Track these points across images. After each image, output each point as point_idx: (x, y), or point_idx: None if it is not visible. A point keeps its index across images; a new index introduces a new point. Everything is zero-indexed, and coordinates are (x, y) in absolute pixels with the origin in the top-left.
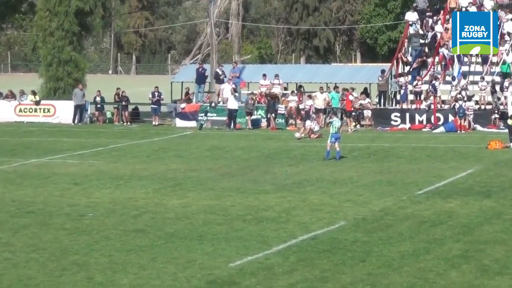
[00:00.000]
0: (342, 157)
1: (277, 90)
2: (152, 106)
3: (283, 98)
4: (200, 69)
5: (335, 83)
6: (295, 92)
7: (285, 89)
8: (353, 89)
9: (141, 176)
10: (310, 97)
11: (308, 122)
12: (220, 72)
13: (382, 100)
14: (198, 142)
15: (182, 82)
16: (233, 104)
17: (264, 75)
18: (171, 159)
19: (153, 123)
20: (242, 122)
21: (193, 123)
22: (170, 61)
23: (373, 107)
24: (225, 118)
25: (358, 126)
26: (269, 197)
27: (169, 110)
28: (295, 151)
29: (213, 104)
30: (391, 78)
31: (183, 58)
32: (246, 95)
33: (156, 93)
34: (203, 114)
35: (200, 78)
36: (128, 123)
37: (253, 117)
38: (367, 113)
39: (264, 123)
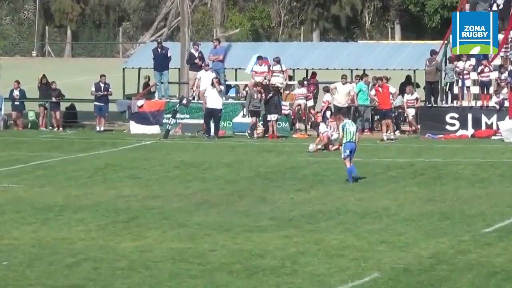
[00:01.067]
0: (362, 178)
1: (278, 80)
2: (96, 103)
3: (286, 92)
4: (158, 49)
5: (364, 70)
6: (305, 82)
7: (290, 78)
8: (387, 79)
9: (79, 207)
10: (326, 90)
11: (322, 127)
12: (197, 54)
13: (432, 95)
14: (163, 156)
15: (139, 69)
16: (214, 102)
17: (260, 59)
18: (123, 182)
19: (97, 128)
20: (227, 127)
21: (155, 129)
22: (122, 38)
23: (419, 104)
24: (202, 121)
25: (397, 132)
26: (267, 238)
27: (121, 110)
28: (305, 170)
29: (184, 101)
30: (445, 63)
31: (141, 33)
32: (237, 86)
33: (102, 85)
34: (170, 116)
35: (161, 63)
36: (61, 128)
37: (243, 119)
38: (410, 113)
39: (259, 128)
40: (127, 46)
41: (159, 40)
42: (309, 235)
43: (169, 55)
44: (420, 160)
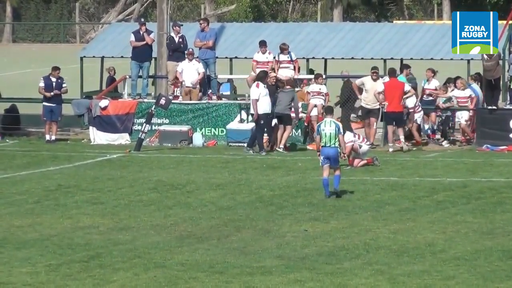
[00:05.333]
0: (344, 193)
1: (287, 73)
2: (46, 104)
3: (298, 89)
4: (141, 32)
5: (401, 60)
6: (323, 76)
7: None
8: (434, 72)
9: (23, 241)
10: None
11: (348, 135)
12: (177, 38)
13: (492, 94)
14: (134, 174)
15: (102, 58)
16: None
17: (263, 44)
18: (81, 208)
19: (47, 137)
20: (219, 136)
21: (123, 137)
22: (80, 17)
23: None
24: (185, 129)
25: (445, 142)
26: (273, 283)
27: (78, 113)
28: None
29: (162, 101)
30: (510, 51)
31: (105, 11)
32: (232, 81)
33: (54, 80)
34: (143, 121)
35: (142, 51)
36: None
37: (241, 125)
38: (463, 117)
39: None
40: (86, 28)
41: (142, 20)
42: (328, 279)
43: (151, 36)
44: (476, 180)
